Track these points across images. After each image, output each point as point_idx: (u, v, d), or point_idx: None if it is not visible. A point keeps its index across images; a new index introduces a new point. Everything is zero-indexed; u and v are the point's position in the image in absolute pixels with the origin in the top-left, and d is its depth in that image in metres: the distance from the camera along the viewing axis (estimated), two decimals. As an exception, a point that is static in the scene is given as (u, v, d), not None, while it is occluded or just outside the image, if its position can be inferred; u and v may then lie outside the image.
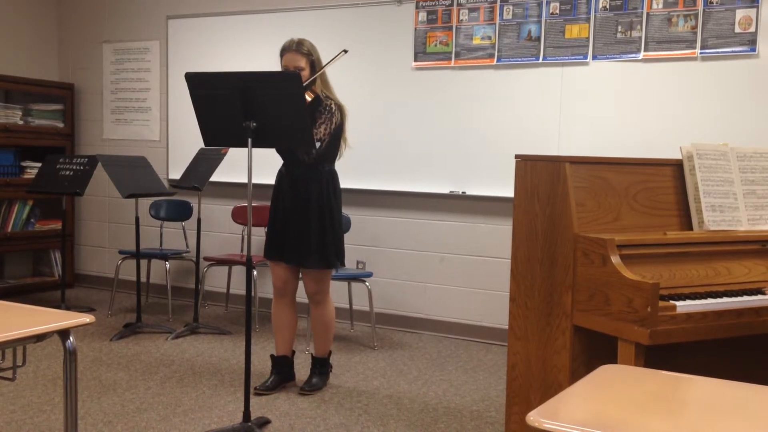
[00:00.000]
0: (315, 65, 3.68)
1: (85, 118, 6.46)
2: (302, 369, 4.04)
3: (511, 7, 4.76)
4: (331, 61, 3.60)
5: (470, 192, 4.93)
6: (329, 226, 3.69)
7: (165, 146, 6.05)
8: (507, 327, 2.81)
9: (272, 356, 3.91)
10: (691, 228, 2.77)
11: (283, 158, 3.76)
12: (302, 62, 3.65)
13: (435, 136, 5.01)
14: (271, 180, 3.82)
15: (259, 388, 3.77)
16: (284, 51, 3.70)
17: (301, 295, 3.96)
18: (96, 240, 6.49)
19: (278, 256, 3.74)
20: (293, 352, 3.95)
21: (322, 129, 3.61)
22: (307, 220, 3.65)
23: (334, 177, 3.77)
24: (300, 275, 3.82)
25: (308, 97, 3.45)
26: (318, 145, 3.59)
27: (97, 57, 6.35)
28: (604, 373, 1.78)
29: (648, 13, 4.41)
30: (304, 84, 3.46)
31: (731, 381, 1.74)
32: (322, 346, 3.89)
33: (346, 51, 3.60)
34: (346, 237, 5.09)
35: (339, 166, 3.85)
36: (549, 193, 2.62)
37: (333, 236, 3.70)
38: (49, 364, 4.18)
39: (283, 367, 3.89)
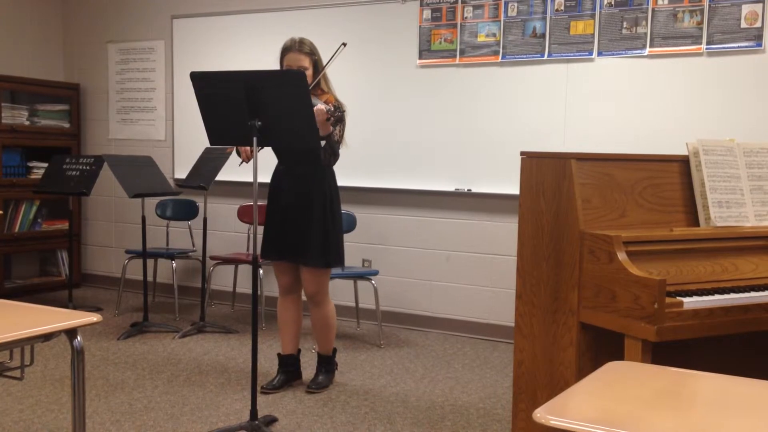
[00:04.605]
0: (318, 65, 3.66)
1: (91, 118, 6.48)
2: (309, 367, 4.04)
3: (515, 4, 4.76)
4: (333, 57, 3.56)
5: (475, 189, 4.93)
6: (331, 226, 3.67)
7: (170, 146, 6.06)
8: (513, 324, 2.81)
9: (279, 355, 3.92)
10: (697, 224, 2.77)
11: (284, 156, 3.72)
12: (306, 62, 3.62)
13: (440, 133, 5.00)
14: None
15: (265, 387, 3.78)
16: (286, 50, 3.66)
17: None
18: (103, 240, 6.51)
19: (277, 256, 3.73)
20: (299, 351, 3.96)
21: (337, 130, 3.59)
22: (310, 219, 3.63)
23: (334, 177, 3.75)
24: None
25: (325, 105, 3.41)
26: (338, 146, 3.60)
27: (103, 57, 6.37)
28: (611, 369, 1.78)
29: (653, 9, 4.39)
30: (310, 85, 3.46)
31: (739, 377, 1.74)
32: (325, 345, 3.90)
33: (344, 44, 3.53)
34: (352, 235, 5.13)
35: (344, 163, 3.84)
36: (555, 190, 2.62)
37: (335, 236, 3.69)
38: (56, 363, 4.20)
39: (289, 366, 3.89)
